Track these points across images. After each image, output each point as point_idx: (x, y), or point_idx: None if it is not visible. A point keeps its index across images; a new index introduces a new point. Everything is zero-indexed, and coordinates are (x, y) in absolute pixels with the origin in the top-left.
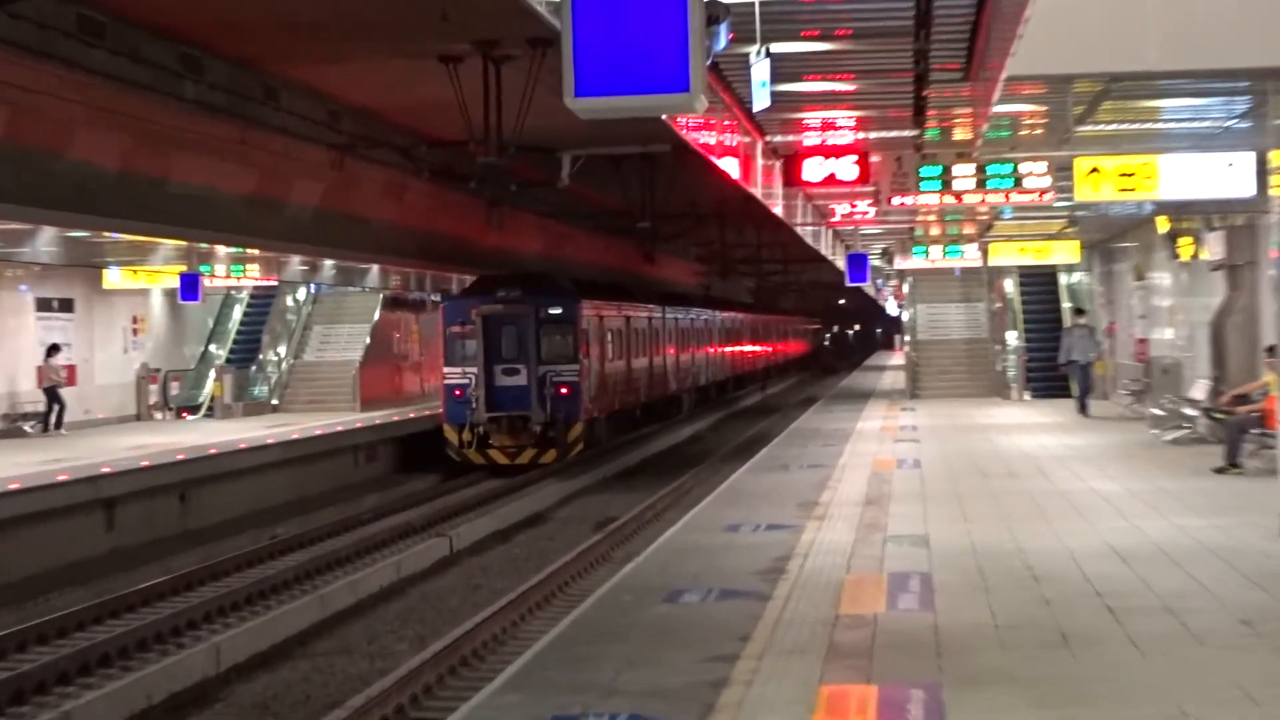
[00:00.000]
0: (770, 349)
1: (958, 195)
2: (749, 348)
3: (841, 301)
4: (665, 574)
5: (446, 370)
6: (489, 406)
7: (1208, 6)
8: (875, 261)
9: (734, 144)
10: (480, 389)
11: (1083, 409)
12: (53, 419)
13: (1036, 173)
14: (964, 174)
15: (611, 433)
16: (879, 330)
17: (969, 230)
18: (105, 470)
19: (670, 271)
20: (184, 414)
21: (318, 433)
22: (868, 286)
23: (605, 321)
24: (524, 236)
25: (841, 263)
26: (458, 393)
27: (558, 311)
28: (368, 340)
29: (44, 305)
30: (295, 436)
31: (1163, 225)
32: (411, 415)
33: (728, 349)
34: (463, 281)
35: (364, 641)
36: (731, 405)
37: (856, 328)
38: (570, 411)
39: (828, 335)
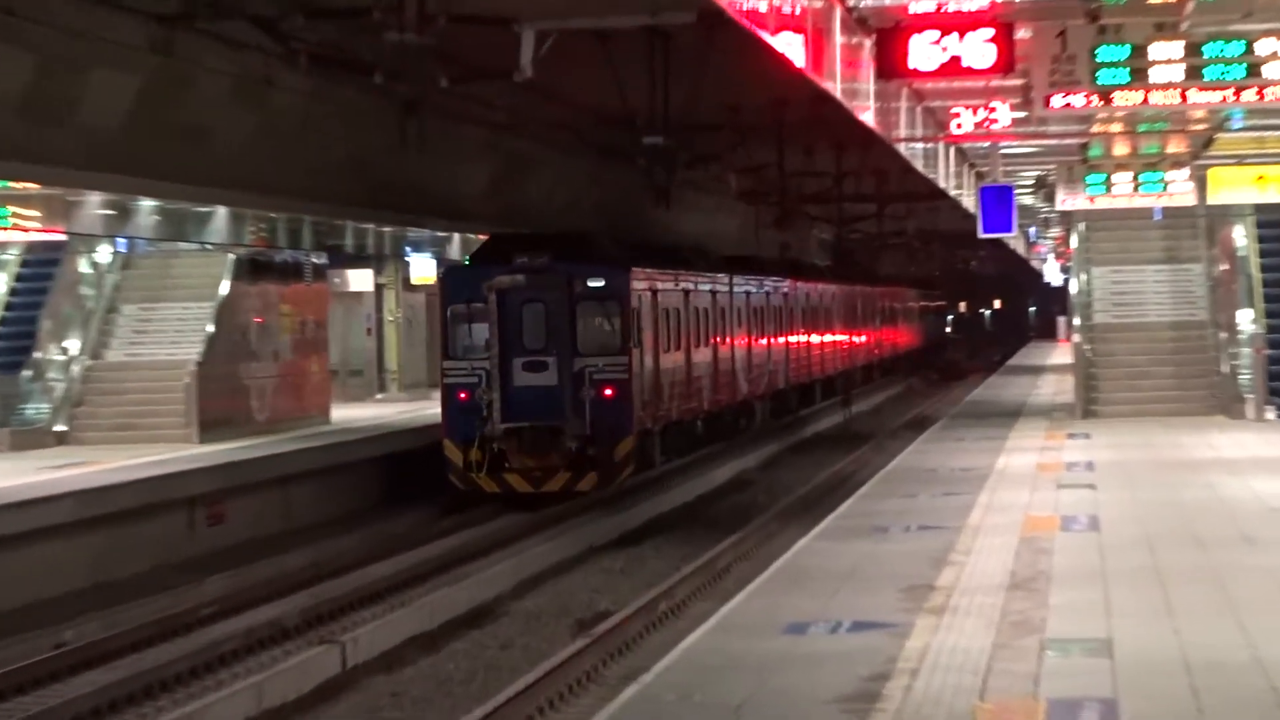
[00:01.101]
0: (870, 338)
1: (1153, 89)
2: (840, 335)
3: (972, 264)
4: (687, 708)
5: (446, 366)
6: (506, 415)
7: None
8: (1025, 199)
9: (797, 10)
10: (494, 391)
11: None
12: None
13: None
14: (1167, 57)
15: (667, 451)
16: (1032, 308)
17: (1176, 149)
18: None
19: (695, 219)
20: None
21: (122, 479)
22: (1012, 238)
23: (660, 298)
24: (461, 160)
25: (971, 202)
26: (462, 396)
27: (600, 284)
28: (210, 329)
29: None
30: (85, 485)
31: None
32: (290, 449)
33: (814, 337)
34: (363, 234)
35: None
36: (795, 430)
37: (996, 305)
38: (618, 421)
39: (950, 316)
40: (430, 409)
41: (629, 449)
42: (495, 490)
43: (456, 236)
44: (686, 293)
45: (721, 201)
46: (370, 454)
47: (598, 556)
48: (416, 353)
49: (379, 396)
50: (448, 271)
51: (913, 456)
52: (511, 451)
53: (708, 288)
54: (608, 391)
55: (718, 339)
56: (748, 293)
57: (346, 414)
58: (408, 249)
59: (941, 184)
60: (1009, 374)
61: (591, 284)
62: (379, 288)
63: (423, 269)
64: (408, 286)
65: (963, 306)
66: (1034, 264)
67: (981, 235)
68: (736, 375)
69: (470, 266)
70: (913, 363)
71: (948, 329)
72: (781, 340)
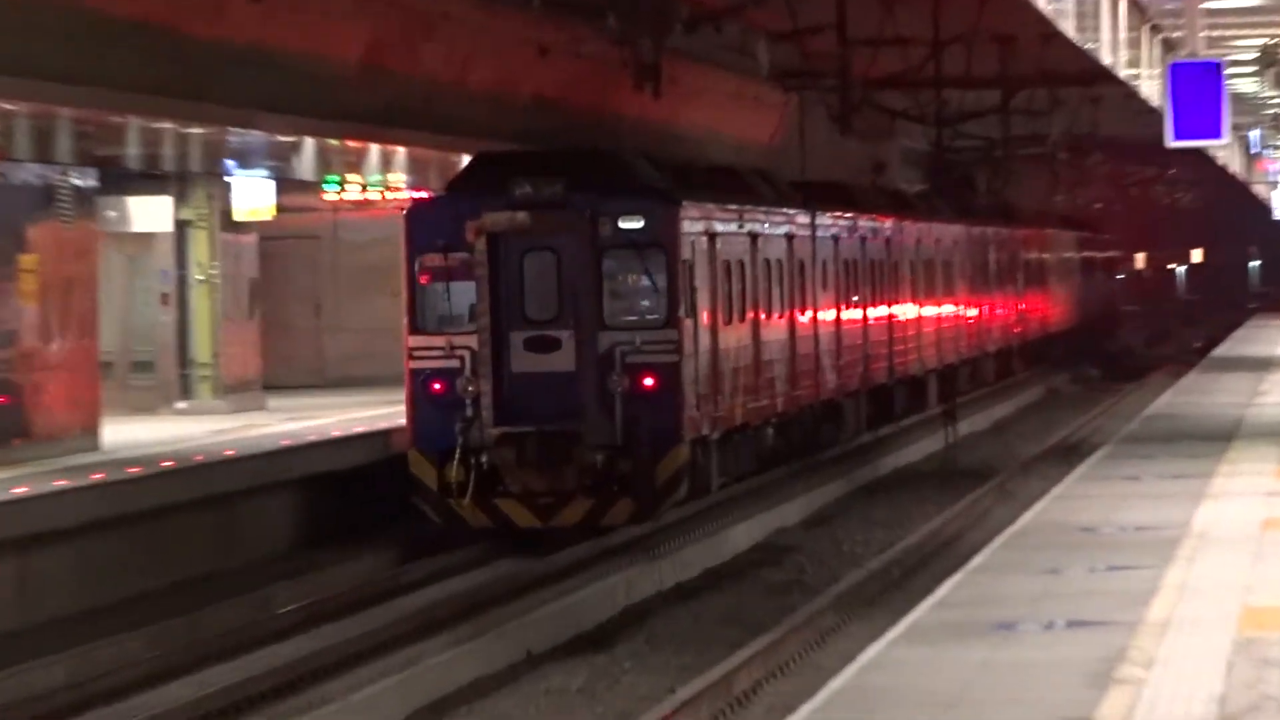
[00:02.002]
0: (1007, 308)
1: None
2: (966, 304)
3: (1158, 193)
4: None
5: (414, 344)
6: (502, 415)
7: None
8: (1243, 84)
9: None
10: (484, 380)
11: None
12: None
13: None
14: None
15: (726, 470)
16: (1254, 263)
17: None
18: None
19: (700, 114)
20: None
21: None
22: (1223, 148)
23: (720, 245)
24: (324, 20)
25: (1154, 89)
26: (436, 387)
27: (638, 224)
28: None
29: None
30: None
31: None
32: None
33: (927, 307)
34: (156, 139)
35: None
36: (863, 461)
37: (1194, 257)
38: (663, 423)
39: (1121, 276)
40: (273, 427)
41: (679, 464)
42: (485, 524)
43: (309, 143)
44: (754, 238)
45: (745, 86)
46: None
47: (544, 668)
48: (245, 334)
49: (180, 406)
50: (415, 207)
51: (1057, 507)
52: (508, 468)
53: (782, 230)
54: (648, 381)
55: (796, 306)
56: (835, 238)
57: (128, 434)
58: (229, 164)
59: (1105, 59)
60: (1216, 369)
61: (625, 224)
62: (182, 226)
63: (254, 196)
64: (230, 224)
65: (1139, 260)
66: (1258, 190)
67: (1171, 144)
68: (821, 361)
69: (448, 199)
70: (1065, 349)
71: (1117, 294)
72: (883, 310)
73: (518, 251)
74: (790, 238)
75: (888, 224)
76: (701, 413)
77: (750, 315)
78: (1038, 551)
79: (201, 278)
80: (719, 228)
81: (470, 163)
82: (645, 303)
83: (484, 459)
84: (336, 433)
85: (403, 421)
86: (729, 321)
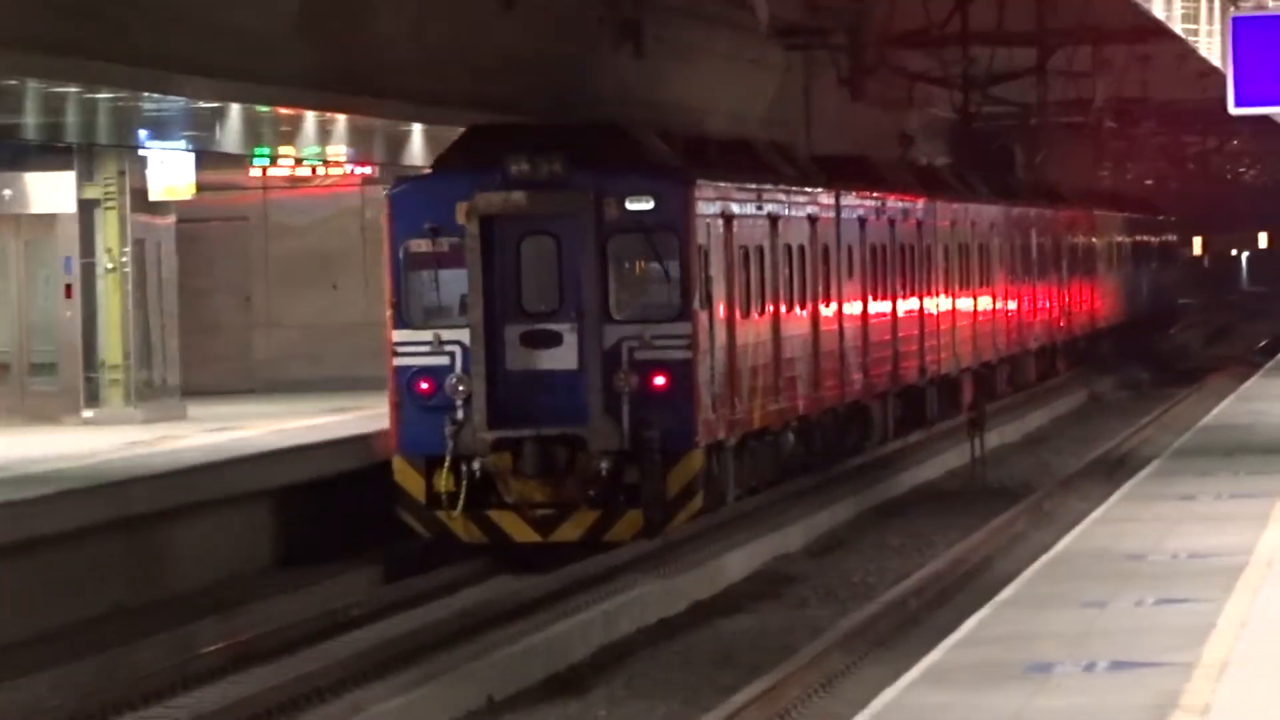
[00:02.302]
0: (1051, 300)
1: None
2: (1005, 296)
3: (1221, 169)
4: None
5: (399, 339)
6: (496, 417)
7: None
8: None
9: None
10: (475, 379)
11: None
12: None
13: None
14: None
15: (743, 479)
16: None
17: None
18: None
19: (691, 78)
20: None
21: None
22: None
23: (737, 228)
24: None
25: (1214, 48)
26: (423, 387)
27: (647, 205)
28: None
29: None
30: None
31: None
32: None
33: (963, 299)
34: (58, 105)
35: None
36: (879, 477)
37: (1260, 242)
38: (676, 426)
39: (1183, 263)
40: (195, 439)
41: (693, 473)
42: (479, 539)
43: (235, 109)
44: (774, 220)
45: (741, 45)
46: None
47: (506, 717)
48: (162, 330)
49: (87, 414)
50: (398, 187)
51: (1100, 531)
52: (504, 477)
53: (805, 212)
54: (659, 380)
55: (819, 297)
56: (862, 220)
57: (26, 447)
58: (143, 134)
59: (1158, 13)
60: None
61: (633, 205)
62: (88, 207)
63: (171, 172)
64: (144, 205)
65: (1197, 245)
66: None
67: (1234, 111)
68: (847, 359)
69: (436, 178)
70: (1112, 349)
71: (1173, 285)
72: (914, 302)
73: (514, 236)
74: (813, 220)
75: (919, 205)
76: (717, 415)
77: (770, 307)
78: (1077, 582)
79: (111, 266)
80: (736, 210)
81: (461, 137)
82: (656, 293)
83: (476, 466)
84: (270, 445)
85: (348, 431)
86: (747, 314)
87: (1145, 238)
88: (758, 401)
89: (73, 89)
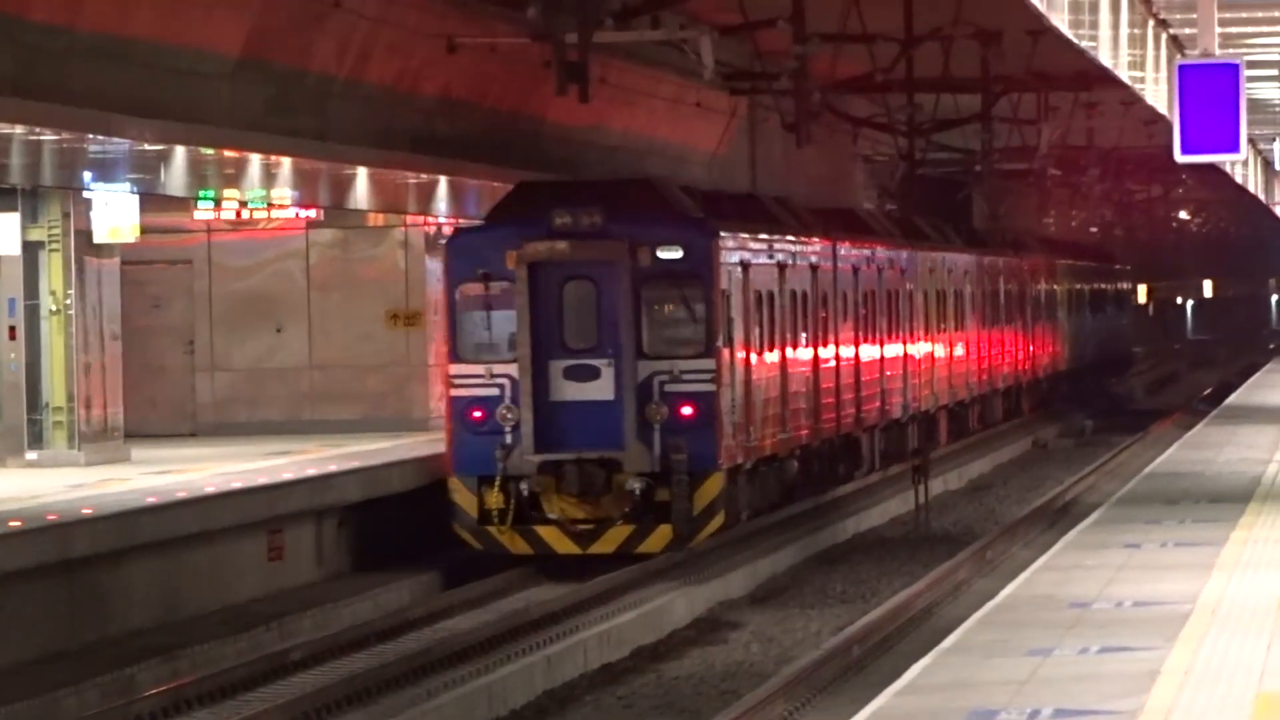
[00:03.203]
0: (1016, 343)
1: None
2: (978, 338)
3: (1172, 219)
4: None
5: (454, 372)
6: (541, 442)
7: None
8: (1262, 89)
9: None
10: (523, 408)
11: None
12: None
13: None
14: None
15: (754, 501)
16: (1277, 296)
17: None
18: None
19: (636, 121)
20: None
21: None
22: (1239, 163)
23: (752, 275)
24: (196, 7)
25: (1160, 95)
26: (475, 414)
27: (675, 255)
28: None
29: None
30: None
31: None
32: None
33: (939, 342)
34: (34, 150)
35: None
36: (821, 524)
37: (1205, 290)
38: (701, 451)
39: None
40: (140, 481)
41: (716, 492)
42: (525, 551)
43: (180, 152)
44: (782, 268)
45: (686, 89)
46: None
47: None
48: (104, 373)
49: (30, 456)
50: (456, 236)
51: (1044, 578)
52: (548, 495)
53: (807, 260)
54: (687, 410)
55: (819, 338)
56: (855, 267)
57: None
58: (87, 176)
59: (1105, 60)
60: (1230, 420)
61: (664, 254)
62: (31, 248)
63: (116, 214)
64: (88, 247)
65: (1141, 293)
66: None
67: (1180, 158)
68: (841, 394)
69: (487, 229)
70: (1072, 389)
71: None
72: (898, 343)
73: (557, 280)
74: (814, 268)
75: (903, 254)
76: (736, 442)
77: (779, 346)
78: (1021, 630)
79: (55, 308)
80: (751, 258)
81: (510, 192)
82: (683, 332)
83: (523, 486)
84: (210, 488)
85: (290, 475)
86: (760, 352)
87: (1101, 285)
88: (769, 430)
89: (15, 130)
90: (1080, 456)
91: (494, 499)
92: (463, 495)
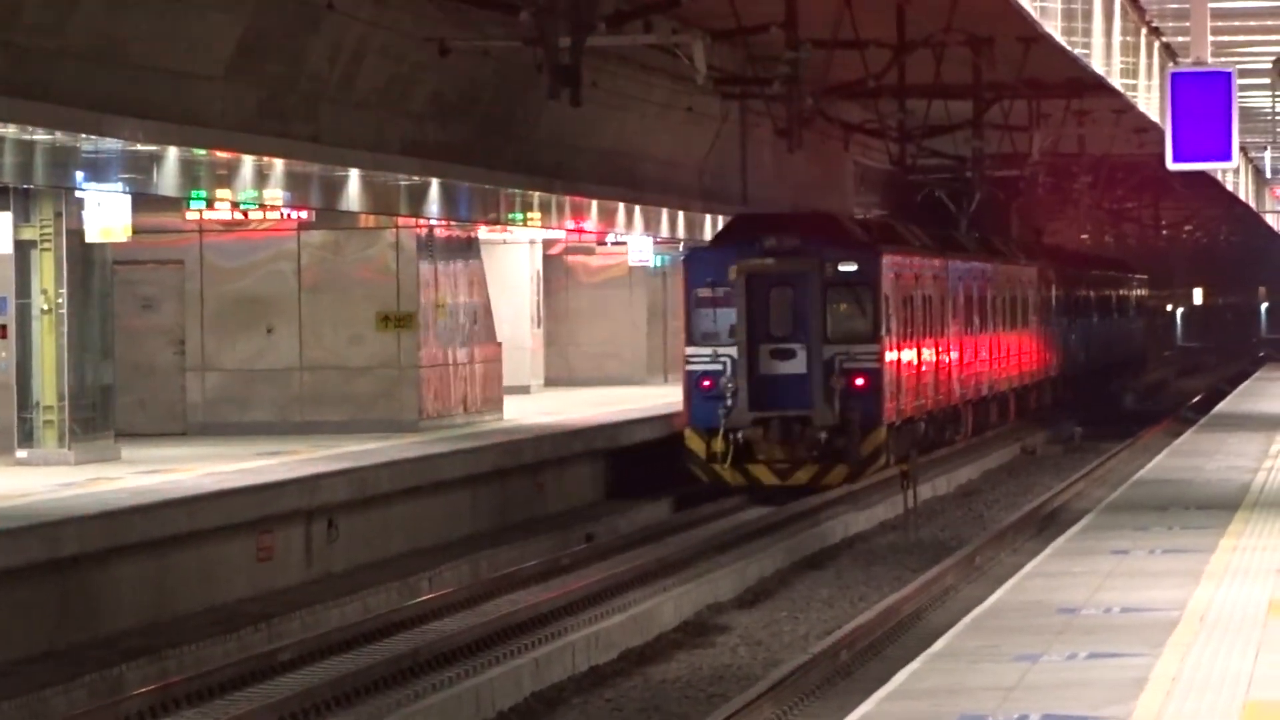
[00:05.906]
0: (1025, 345)
1: None
2: (1008, 339)
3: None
4: None
5: (689, 352)
6: (753, 404)
7: None
8: (1254, 98)
9: None
10: (740, 379)
11: None
12: None
13: None
14: None
15: (899, 451)
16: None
17: None
18: None
19: (627, 127)
20: None
21: None
22: (1230, 171)
23: (903, 283)
24: (189, 10)
25: (1152, 103)
26: (705, 384)
27: (852, 268)
28: None
29: None
30: None
31: None
32: None
33: (1010, 333)
34: (26, 150)
35: None
36: (807, 528)
37: (1195, 298)
38: (868, 411)
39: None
40: (131, 480)
41: (880, 442)
42: (740, 482)
43: (173, 153)
44: (917, 278)
45: (678, 93)
46: None
47: None
48: (97, 373)
49: (21, 454)
50: (691, 253)
51: (1033, 584)
52: (757, 442)
53: (932, 271)
54: (859, 381)
55: (936, 332)
56: (960, 278)
57: None
58: (80, 176)
59: (1097, 67)
60: (1219, 428)
61: (843, 268)
62: (23, 247)
63: (109, 214)
64: (81, 246)
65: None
66: (1271, 221)
67: (1171, 166)
68: (951, 374)
69: (715, 249)
70: (1068, 397)
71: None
72: (985, 336)
73: (765, 286)
74: (936, 278)
75: (989, 266)
76: (892, 405)
77: (916, 337)
78: (1010, 635)
79: (46, 308)
80: (905, 268)
81: (730, 221)
82: (856, 325)
83: (740, 435)
84: (207, 487)
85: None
86: (905, 341)
87: (1124, 292)
88: (910, 399)
89: (8, 130)
90: (1069, 463)
91: (718, 445)
92: (695, 442)
